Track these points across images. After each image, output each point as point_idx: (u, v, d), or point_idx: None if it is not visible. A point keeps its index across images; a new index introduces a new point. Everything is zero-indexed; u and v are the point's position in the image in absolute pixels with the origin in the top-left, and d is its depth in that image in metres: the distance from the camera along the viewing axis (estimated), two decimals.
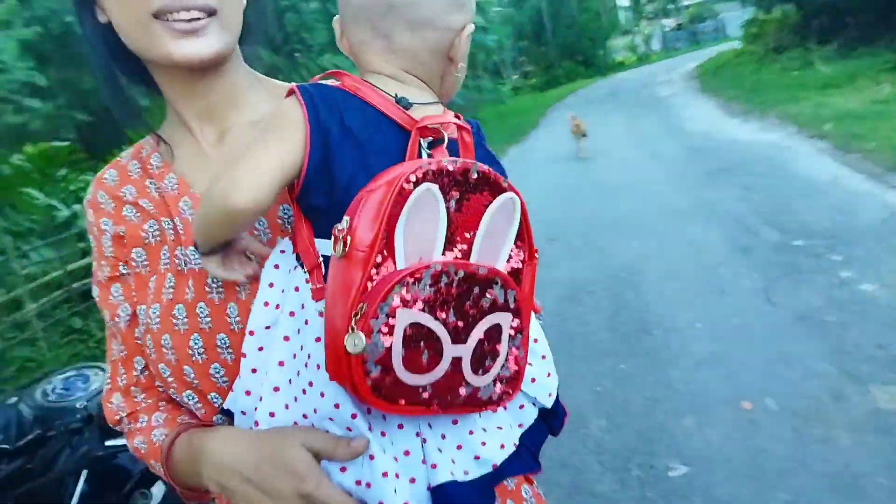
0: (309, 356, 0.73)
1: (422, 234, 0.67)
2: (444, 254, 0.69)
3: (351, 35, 0.80)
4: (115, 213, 0.91)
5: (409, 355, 0.66)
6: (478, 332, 0.70)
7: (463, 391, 0.71)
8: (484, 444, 0.79)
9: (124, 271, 0.90)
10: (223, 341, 0.82)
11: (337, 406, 0.71)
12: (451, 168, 0.68)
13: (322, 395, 0.72)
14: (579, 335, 4.20)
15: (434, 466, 0.75)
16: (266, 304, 0.78)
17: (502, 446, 0.81)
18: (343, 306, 0.65)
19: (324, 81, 0.80)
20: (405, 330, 0.65)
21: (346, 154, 0.72)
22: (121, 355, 0.92)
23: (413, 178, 0.65)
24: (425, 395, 0.69)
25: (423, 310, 0.65)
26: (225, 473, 0.76)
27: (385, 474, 0.72)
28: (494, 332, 0.72)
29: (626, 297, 4.68)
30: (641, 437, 2.99)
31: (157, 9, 0.77)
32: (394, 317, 0.64)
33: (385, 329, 0.64)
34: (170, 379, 0.85)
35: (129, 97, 0.91)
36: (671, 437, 2.94)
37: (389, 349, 0.64)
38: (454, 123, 0.76)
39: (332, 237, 0.67)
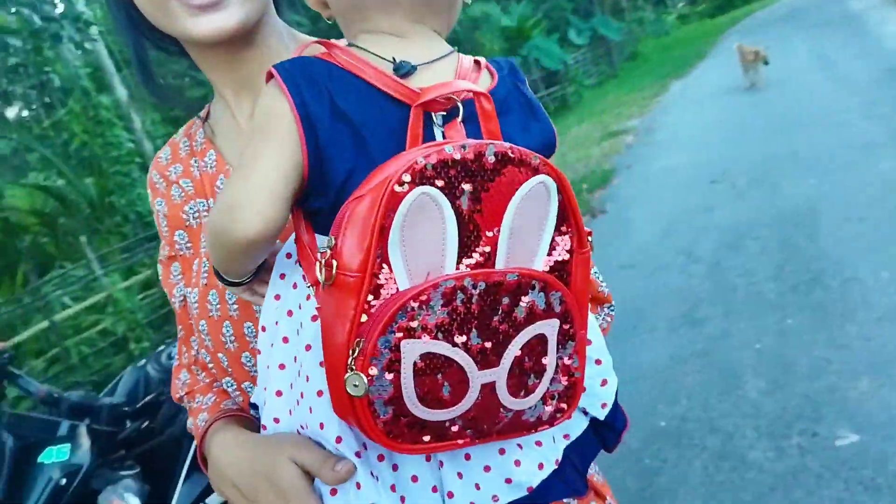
0: (301, 365, 0.64)
1: (426, 246, 0.54)
2: (459, 264, 0.56)
3: None
4: (165, 194, 0.89)
5: (425, 390, 0.54)
6: (513, 350, 0.57)
7: (503, 416, 0.59)
8: (518, 463, 0.66)
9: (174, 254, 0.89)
10: (250, 330, 0.78)
11: (322, 426, 0.62)
12: (457, 156, 0.54)
13: (310, 410, 0.63)
14: (740, 286, 3.85)
15: (451, 496, 0.64)
16: (277, 297, 0.68)
17: (541, 466, 0.67)
18: (339, 342, 0.54)
19: (308, 54, 0.65)
20: (415, 363, 0.53)
21: (342, 145, 0.59)
22: (180, 335, 0.93)
23: (406, 179, 0.52)
24: (454, 428, 0.57)
25: (436, 337, 0.54)
26: (223, 480, 0.74)
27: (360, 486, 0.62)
28: (537, 345, 0.58)
29: (796, 243, 4.20)
30: (806, 400, 2.68)
31: None
32: (398, 350, 0.53)
33: (390, 366, 0.53)
34: (210, 365, 0.84)
35: (154, 74, 0.87)
36: (842, 402, 2.60)
37: (400, 387, 0.53)
38: (467, 90, 0.61)
39: (316, 261, 0.56)
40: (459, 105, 0.61)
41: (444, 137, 0.61)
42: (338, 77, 0.61)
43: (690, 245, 4.77)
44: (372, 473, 0.63)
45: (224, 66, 0.82)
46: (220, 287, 0.77)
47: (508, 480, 0.66)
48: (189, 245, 0.86)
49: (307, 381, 0.63)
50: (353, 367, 0.53)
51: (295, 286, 0.66)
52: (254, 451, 0.71)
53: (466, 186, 0.54)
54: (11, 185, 10.38)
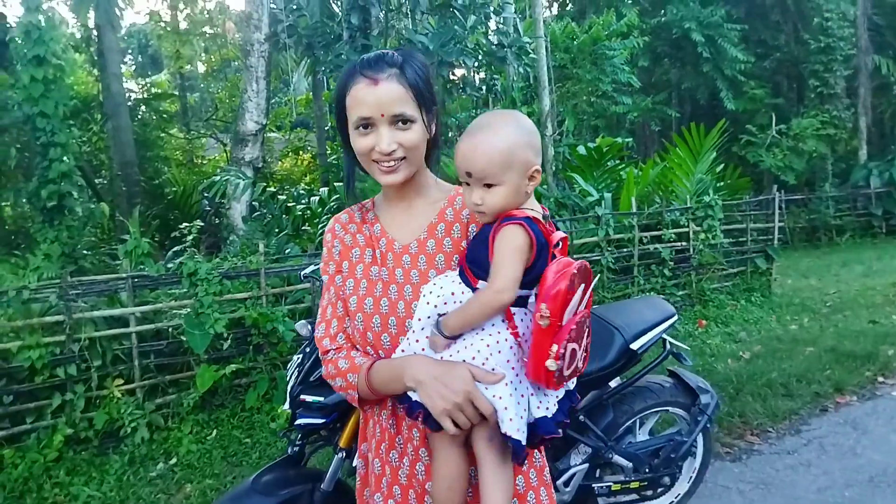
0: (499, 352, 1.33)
1: (574, 302, 1.29)
2: (578, 307, 1.32)
3: (534, 175, 1.33)
4: (342, 238, 1.56)
5: (567, 365, 1.30)
6: (584, 342, 1.36)
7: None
8: (546, 402, 1.36)
9: (340, 270, 1.54)
10: (392, 322, 1.44)
11: (508, 361, 1.30)
12: (579, 267, 1.30)
13: (508, 361, 1.31)
14: None
15: (538, 407, 1.34)
16: (427, 303, 1.34)
17: (548, 407, 1.36)
18: (546, 346, 1.25)
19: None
20: (572, 354, 1.31)
21: (540, 256, 1.30)
22: (326, 314, 1.52)
23: (574, 271, 1.29)
24: (564, 378, 1.32)
25: (573, 340, 1.29)
26: (421, 373, 1.28)
27: (500, 397, 1.27)
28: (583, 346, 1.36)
29: None
30: None
31: (373, 159, 1.39)
32: (565, 349, 1.27)
33: (563, 354, 1.27)
34: (354, 336, 1.50)
35: (354, 188, 1.59)
36: None
37: (563, 365, 1.28)
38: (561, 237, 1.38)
39: (540, 315, 1.24)
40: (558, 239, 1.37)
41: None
42: (534, 225, 1.30)
43: None
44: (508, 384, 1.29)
45: (394, 190, 1.51)
46: (377, 295, 1.45)
47: (547, 407, 1.36)
48: (348, 269, 1.53)
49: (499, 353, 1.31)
50: (552, 357, 1.25)
51: (453, 294, 1.36)
52: (441, 364, 1.30)
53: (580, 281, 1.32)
54: None
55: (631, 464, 2.81)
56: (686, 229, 7.45)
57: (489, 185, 1.28)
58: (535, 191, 1.36)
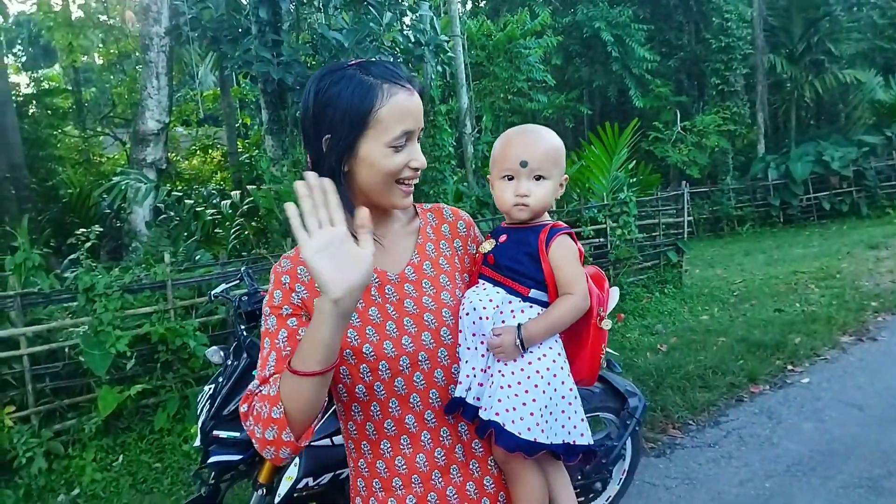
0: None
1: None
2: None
3: (563, 182, 1.41)
4: (304, 280, 1.28)
5: None
6: None
7: None
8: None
9: (298, 314, 1.28)
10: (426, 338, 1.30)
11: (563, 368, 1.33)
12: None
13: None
14: None
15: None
16: (468, 314, 1.29)
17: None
18: (600, 347, 1.36)
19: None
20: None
21: None
22: (269, 360, 1.22)
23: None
24: None
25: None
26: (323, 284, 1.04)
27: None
28: None
29: None
30: None
31: (402, 178, 1.24)
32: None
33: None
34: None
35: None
36: None
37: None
38: None
39: (599, 318, 1.34)
40: None
41: None
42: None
43: None
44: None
45: (379, 217, 1.31)
46: (395, 336, 1.26)
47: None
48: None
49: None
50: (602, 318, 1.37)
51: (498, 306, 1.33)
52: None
53: None
54: None
55: None
56: (603, 225, 7.60)
57: (538, 178, 1.34)
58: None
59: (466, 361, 1.28)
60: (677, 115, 16.38)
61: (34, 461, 3.91)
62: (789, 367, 5.11)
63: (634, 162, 10.10)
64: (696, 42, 18.82)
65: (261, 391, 1.15)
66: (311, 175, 1.03)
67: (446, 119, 8.26)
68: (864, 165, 14.71)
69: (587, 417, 2.99)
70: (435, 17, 7.82)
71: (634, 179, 9.04)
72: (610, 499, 3.06)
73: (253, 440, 1.15)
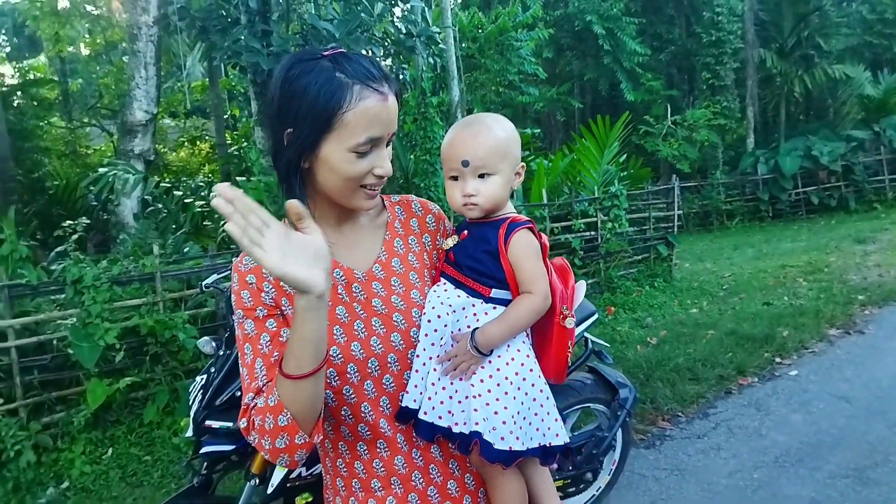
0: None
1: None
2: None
3: (520, 171, 1.33)
4: (270, 278, 1.23)
5: None
6: None
7: None
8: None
9: (273, 314, 1.24)
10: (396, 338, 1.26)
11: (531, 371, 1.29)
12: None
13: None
14: None
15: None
16: (429, 321, 1.23)
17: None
18: (566, 345, 1.30)
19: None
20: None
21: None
22: (255, 367, 1.18)
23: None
24: None
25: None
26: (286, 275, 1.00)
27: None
28: None
29: None
30: None
31: (364, 184, 1.19)
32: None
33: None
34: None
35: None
36: None
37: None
38: None
39: (563, 316, 1.29)
40: None
41: None
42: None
43: None
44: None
45: (335, 214, 1.29)
46: (363, 337, 1.22)
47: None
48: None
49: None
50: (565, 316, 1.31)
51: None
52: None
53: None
54: None
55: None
56: (594, 219, 7.62)
57: (483, 176, 1.27)
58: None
59: (417, 371, 1.22)
60: (668, 109, 16.41)
61: (22, 454, 3.86)
62: (777, 359, 5.15)
63: (625, 156, 10.13)
64: (687, 36, 18.85)
65: (257, 404, 1.10)
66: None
67: (437, 111, 8.27)
68: (853, 160, 14.81)
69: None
70: (426, 9, 7.79)
71: (625, 173, 9.07)
72: (600, 489, 3.08)
73: (262, 452, 1.11)
